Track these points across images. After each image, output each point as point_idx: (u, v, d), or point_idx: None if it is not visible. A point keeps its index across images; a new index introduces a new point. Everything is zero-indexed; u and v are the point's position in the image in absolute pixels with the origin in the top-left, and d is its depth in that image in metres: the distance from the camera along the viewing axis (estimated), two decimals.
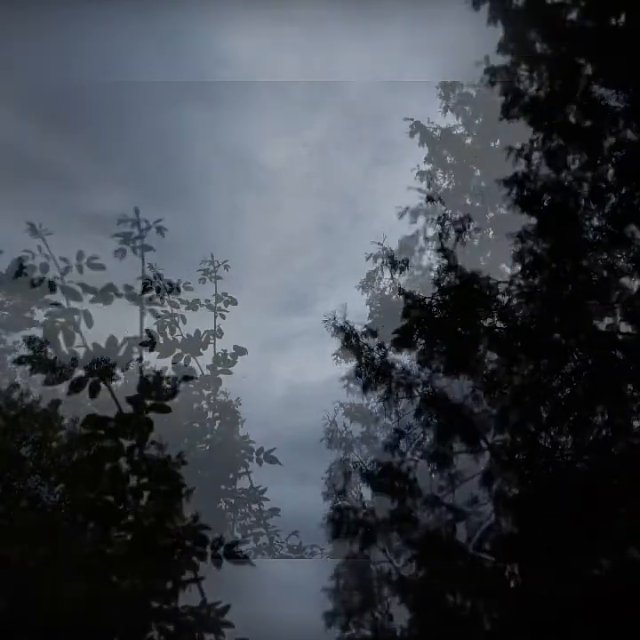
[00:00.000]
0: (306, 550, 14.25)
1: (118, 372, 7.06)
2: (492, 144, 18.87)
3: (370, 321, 14.64)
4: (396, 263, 8.54)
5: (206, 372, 16.02)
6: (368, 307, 18.23)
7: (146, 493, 7.00)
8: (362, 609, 7.28)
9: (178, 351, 15.28)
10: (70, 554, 7.01)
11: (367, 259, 15.05)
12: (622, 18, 7.63)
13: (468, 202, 19.41)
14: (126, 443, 7.00)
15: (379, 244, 8.85)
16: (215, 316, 15.85)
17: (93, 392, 6.97)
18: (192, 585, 7.07)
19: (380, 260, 9.21)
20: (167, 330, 15.27)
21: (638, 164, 7.08)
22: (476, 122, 19.80)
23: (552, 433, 7.51)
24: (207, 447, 15.87)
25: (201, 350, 15.71)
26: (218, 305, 15.95)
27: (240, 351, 16.25)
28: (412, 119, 20.07)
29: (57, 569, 6.97)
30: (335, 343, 8.74)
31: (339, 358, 16.04)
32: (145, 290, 7.67)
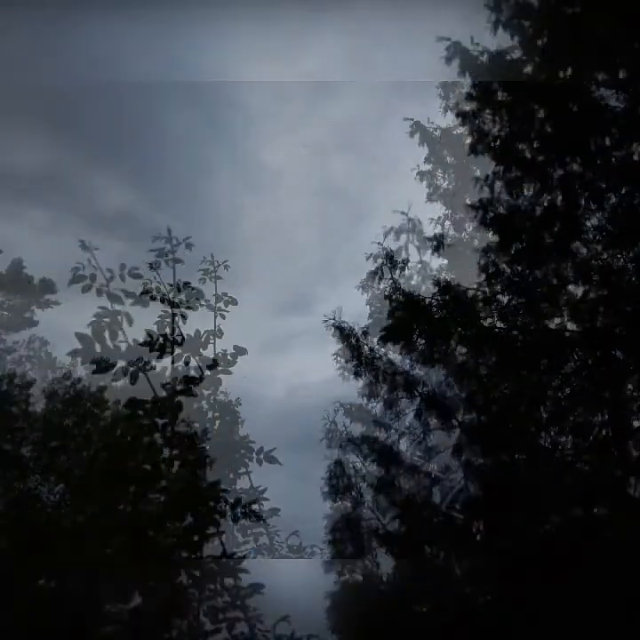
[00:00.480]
0: (306, 550, 14.15)
1: (153, 363, 8.20)
2: (492, 144, 19.32)
3: (370, 321, 13.86)
4: (395, 263, 8.92)
5: (206, 371, 16.49)
6: (368, 307, 18.07)
7: (176, 463, 7.95)
8: (355, 556, 8.57)
9: (178, 351, 15.71)
10: (116, 512, 7.96)
11: (367, 259, 14.91)
12: (568, 71, 9.05)
13: (468, 202, 19.96)
14: (160, 421, 7.97)
15: (379, 244, 9.19)
16: (215, 316, 15.17)
17: (134, 379, 8.14)
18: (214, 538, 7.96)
19: (380, 260, 9.31)
20: (167, 329, 15.35)
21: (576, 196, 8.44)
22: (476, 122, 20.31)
23: (552, 433, 7.86)
24: (207, 447, 16.37)
25: (201, 350, 14.41)
26: (218, 305, 15.18)
27: (240, 351, 15.49)
28: (412, 119, 19.70)
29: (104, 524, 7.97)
30: (335, 343, 9.34)
31: (338, 358, 15.55)
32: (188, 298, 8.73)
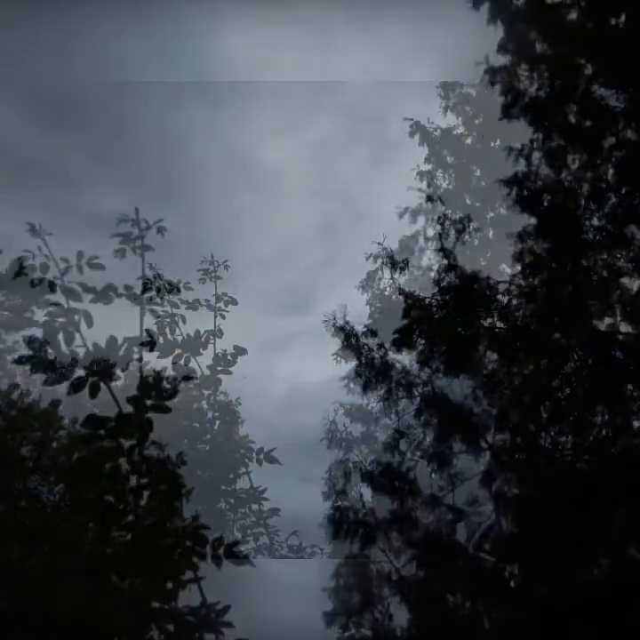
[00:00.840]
0: (306, 550, 14.01)
1: (118, 372, 6.95)
2: (492, 144, 18.59)
3: (370, 321, 14.53)
4: (395, 263, 8.46)
5: (206, 371, 15.76)
6: (368, 307, 17.98)
7: (146, 493, 6.87)
8: (362, 609, 7.19)
9: (178, 351, 14.98)
10: (70, 554, 6.93)
11: (367, 259, 14.80)
12: (622, 18, 7.55)
13: (468, 202, 19.22)
14: (126, 443, 6.84)
15: (379, 244, 8.80)
16: (215, 316, 15.54)
17: (93, 392, 6.82)
18: (192, 585, 6.95)
19: (380, 261, 9.02)
20: (167, 330, 14.89)
21: (638, 164, 7.03)
22: (476, 122, 19.59)
23: (552, 433, 7.48)
24: (207, 447, 15.73)
25: (201, 350, 15.39)
26: (218, 305, 15.63)
27: (240, 351, 15.86)
28: (412, 119, 19.87)
29: (57, 569, 6.92)
30: (335, 343, 8.68)
31: (338, 358, 15.90)
32: (145, 290, 7.53)
